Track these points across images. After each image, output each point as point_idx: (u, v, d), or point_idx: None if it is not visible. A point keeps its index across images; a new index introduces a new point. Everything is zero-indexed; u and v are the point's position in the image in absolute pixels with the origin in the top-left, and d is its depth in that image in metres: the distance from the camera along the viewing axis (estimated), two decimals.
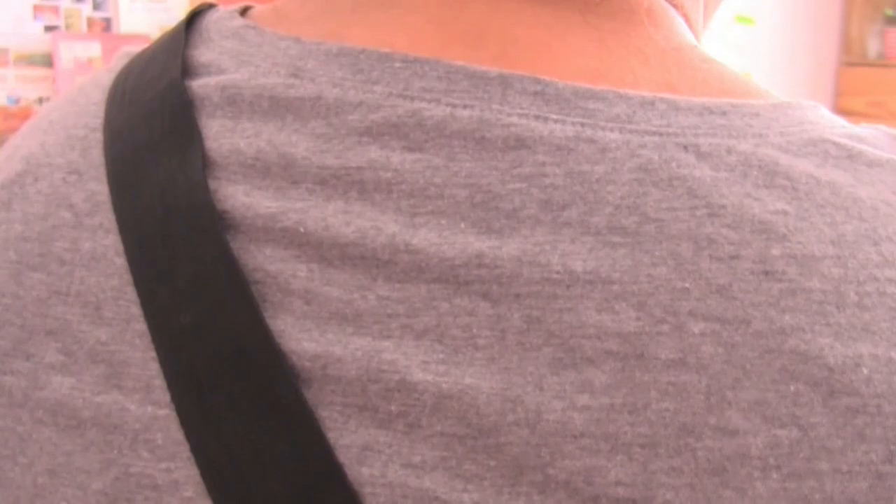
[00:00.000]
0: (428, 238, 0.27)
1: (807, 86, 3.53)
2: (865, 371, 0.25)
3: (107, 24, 2.47)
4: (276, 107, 0.30)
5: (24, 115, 2.37)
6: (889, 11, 3.55)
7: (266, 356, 0.27)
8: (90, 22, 2.45)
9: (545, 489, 0.25)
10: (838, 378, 0.25)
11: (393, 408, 0.26)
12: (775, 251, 0.26)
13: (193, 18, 0.35)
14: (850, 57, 3.57)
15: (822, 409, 0.25)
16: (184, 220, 0.29)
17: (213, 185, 0.29)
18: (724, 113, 0.29)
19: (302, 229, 0.28)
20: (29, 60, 2.38)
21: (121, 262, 0.30)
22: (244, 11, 0.35)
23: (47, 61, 2.40)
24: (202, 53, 0.33)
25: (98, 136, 0.33)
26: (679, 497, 0.25)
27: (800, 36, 3.48)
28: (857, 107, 3.45)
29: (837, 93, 3.57)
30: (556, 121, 0.28)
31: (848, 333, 0.26)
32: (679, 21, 0.33)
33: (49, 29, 2.40)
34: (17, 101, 2.38)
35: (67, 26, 2.42)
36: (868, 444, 0.25)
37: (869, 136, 0.30)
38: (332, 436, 0.27)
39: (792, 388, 0.25)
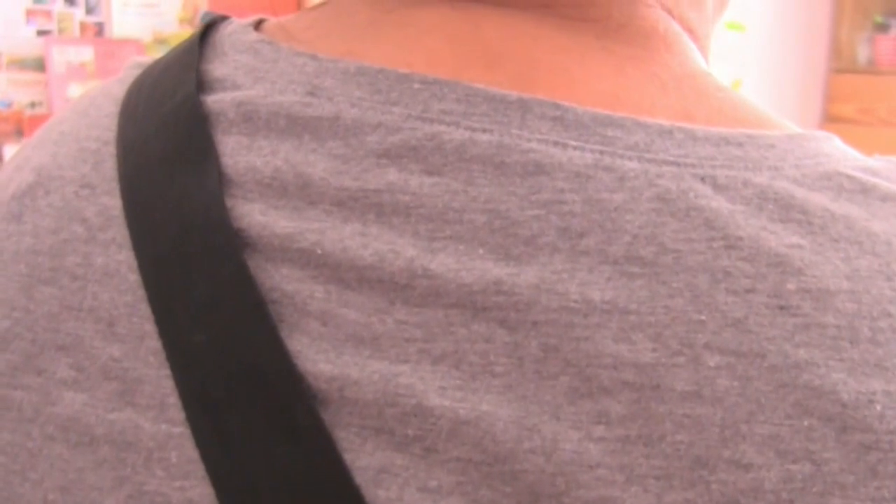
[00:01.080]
0: (446, 263, 0.27)
1: (797, 92, 3.54)
2: (878, 407, 0.26)
3: (99, 29, 2.47)
4: (293, 125, 0.30)
5: (16, 118, 2.36)
6: (879, 18, 3.56)
7: (283, 377, 0.27)
8: (83, 26, 2.44)
9: None
10: (851, 414, 0.25)
11: (409, 432, 0.26)
12: (790, 285, 0.26)
13: (207, 31, 0.35)
14: (840, 63, 3.58)
15: (835, 444, 0.25)
16: (200, 238, 0.29)
17: (229, 202, 0.29)
18: (740, 144, 0.29)
19: (319, 251, 0.28)
20: (21, 64, 2.38)
21: (134, 278, 0.30)
22: (258, 24, 0.35)
23: (40, 65, 2.39)
24: (216, 68, 0.33)
25: (111, 150, 0.33)
26: None
27: (790, 43, 3.49)
28: (847, 113, 3.47)
29: (827, 99, 3.59)
30: (574, 147, 0.28)
31: (861, 369, 0.26)
32: (692, 47, 0.34)
33: (42, 33, 2.39)
34: (9, 104, 2.37)
35: (60, 30, 2.41)
36: (880, 480, 0.25)
37: (882, 168, 0.30)
38: (348, 457, 0.26)
39: (805, 423, 0.25)
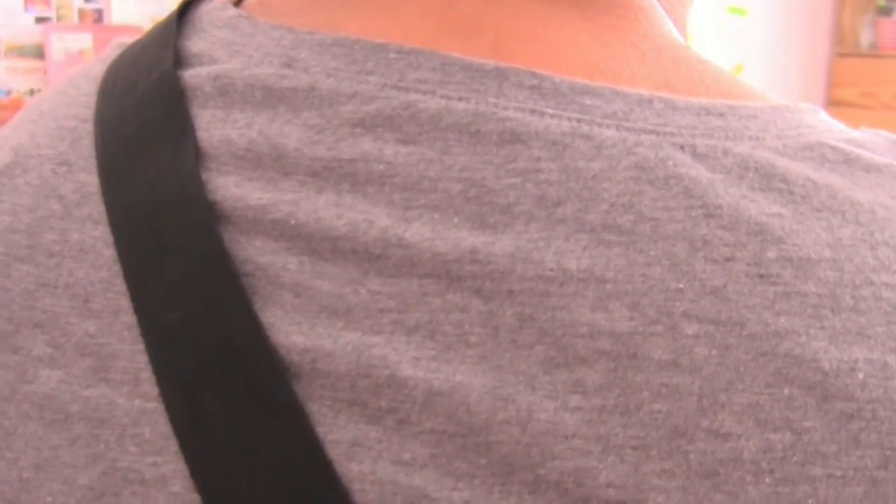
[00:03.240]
0: (420, 232, 0.27)
1: (799, 76, 3.53)
2: (860, 376, 0.25)
3: (98, 16, 2.46)
4: (269, 97, 0.30)
5: (16, 106, 2.36)
6: (881, 2, 3.55)
7: (257, 352, 0.27)
8: (81, 13, 2.44)
9: (536, 489, 0.25)
10: (833, 382, 0.25)
11: (383, 403, 0.26)
12: (771, 254, 0.26)
13: (186, 8, 0.35)
14: (843, 47, 3.57)
15: (817, 413, 0.25)
16: (175, 213, 0.29)
17: (204, 175, 0.29)
18: (721, 114, 0.29)
19: (293, 221, 0.28)
20: (20, 52, 2.37)
21: (110, 253, 0.30)
22: (238, 2, 0.35)
23: (38, 53, 2.39)
24: (194, 44, 0.33)
25: (88, 127, 0.32)
26: (670, 500, 0.25)
27: (792, 27, 3.48)
28: (850, 97, 3.45)
29: (830, 83, 3.57)
30: (552, 116, 0.28)
31: (843, 337, 0.26)
32: (666, 18, 0.33)
33: (40, 20, 2.39)
34: (8, 92, 2.37)
35: (59, 18, 2.41)
36: (863, 449, 0.25)
37: (867, 140, 0.30)
38: (321, 431, 0.26)
39: (786, 391, 0.25)
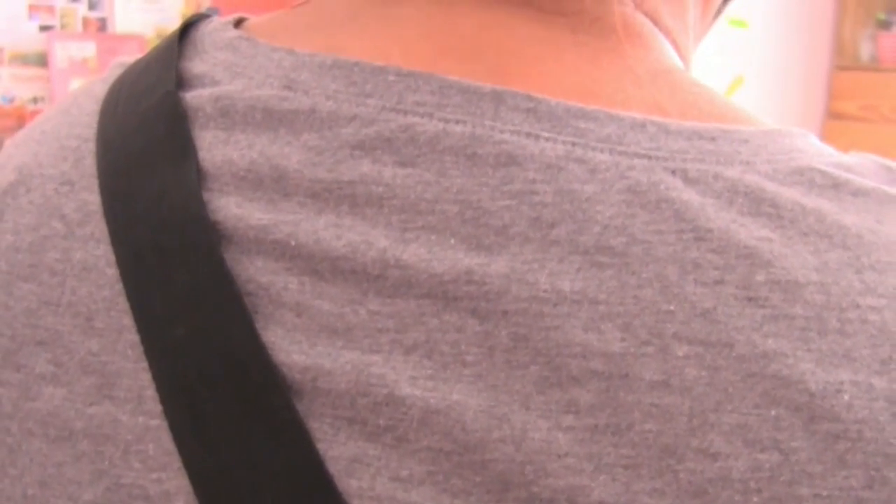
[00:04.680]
0: (418, 253, 0.27)
1: (799, 89, 3.53)
2: (846, 397, 0.26)
3: (102, 24, 2.47)
4: (269, 119, 0.30)
5: (19, 114, 2.37)
6: (881, 15, 3.55)
7: (259, 369, 0.27)
8: (85, 22, 2.45)
9: None
10: (819, 403, 0.26)
11: (381, 421, 0.27)
12: (759, 277, 0.27)
13: (187, 29, 0.35)
14: (843, 60, 3.57)
15: (803, 433, 0.25)
16: (178, 233, 0.29)
17: (205, 196, 0.30)
18: (713, 138, 0.29)
19: (293, 242, 0.28)
20: (24, 60, 2.38)
21: (112, 272, 0.30)
22: (238, 23, 0.35)
23: (42, 61, 2.39)
24: (196, 65, 0.33)
25: (91, 147, 0.33)
26: None
27: (792, 39, 3.48)
28: (850, 110, 3.46)
29: (830, 96, 3.58)
30: (546, 139, 0.28)
31: (829, 360, 0.26)
32: (667, 45, 0.34)
33: (44, 28, 2.40)
34: (11, 100, 2.38)
35: (63, 26, 2.42)
36: (848, 469, 0.25)
37: (856, 164, 0.31)
38: (321, 447, 0.27)
39: (773, 412, 0.25)
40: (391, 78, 0.30)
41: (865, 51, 3.58)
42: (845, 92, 3.51)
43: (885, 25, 3.54)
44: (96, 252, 0.31)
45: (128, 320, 0.29)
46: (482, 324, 0.27)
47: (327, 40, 0.32)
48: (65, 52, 2.41)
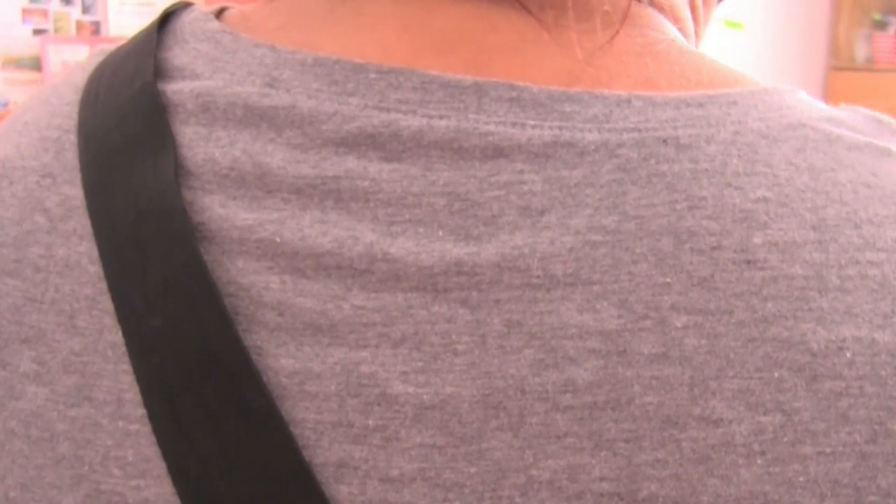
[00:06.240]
0: (405, 246, 0.27)
1: None
2: (848, 354, 0.26)
3: (95, 28, 2.47)
4: (251, 116, 0.30)
5: None
6: (877, 16, 3.56)
7: (234, 358, 0.27)
8: (79, 25, 2.45)
9: (527, 491, 0.25)
10: (821, 362, 0.26)
11: (370, 422, 0.26)
12: (757, 239, 0.26)
13: (168, 18, 0.35)
14: (839, 61, 3.59)
15: (806, 393, 0.25)
16: (154, 225, 0.29)
17: (189, 195, 0.29)
18: (701, 104, 0.29)
19: (278, 239, 0.28)
20: (17, 63, 2.38)
21: (95, 269, 0.30)
22: (220, 13, 0.35)
23: (36, 64, 2.39)
24: (176, 56, 0.33)
25: (71, 138, 0.32)
26: (664, 488, 0.25)
27: (788, 40, 3.50)
28: None
29: (826, 97, 3.59)
30: (532, 126, 0.28)
31: (830, 318, 0.26)
32: (660, 20, 0.33)
33: (38, 32, 2.40)
34: (5, 104, 2.38)
35: (56, 30, 2.42)
36: (851, 425, 0.25)
37: (847, 118, 0.30)
38: (306, 455, 0.26)
39: (775, 374, 0.25)
40: (372, 76, 0.29)
41: (861, 51, 3.59)
42: (841, 92, 3.52)
43: (880, 26, 3.55)
44: (79, 249, 0.30)
45: (109, 320, 0.29)
46: (473, 313, 0.26)
47: (306, 36, 0.32)
48: (58, 55, 2.41)
